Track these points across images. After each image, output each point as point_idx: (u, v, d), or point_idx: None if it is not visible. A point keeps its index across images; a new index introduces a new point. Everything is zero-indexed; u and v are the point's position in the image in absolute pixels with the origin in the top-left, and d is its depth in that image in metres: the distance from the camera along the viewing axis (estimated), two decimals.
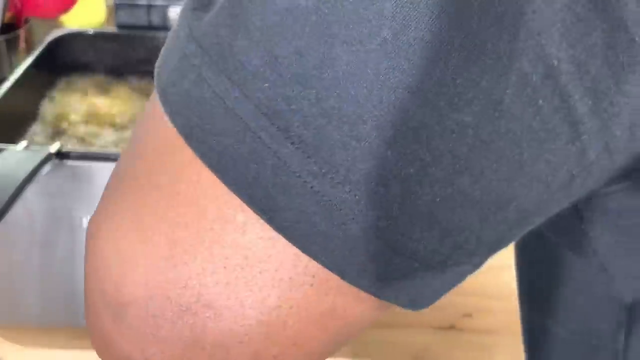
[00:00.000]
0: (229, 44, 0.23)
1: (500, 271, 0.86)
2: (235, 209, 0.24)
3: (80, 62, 0.89)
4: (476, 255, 0.26)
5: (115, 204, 0.26)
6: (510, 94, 0.22)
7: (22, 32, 1.05)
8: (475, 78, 0.22)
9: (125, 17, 0.88)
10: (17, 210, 0.65)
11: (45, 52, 0.85)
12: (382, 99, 0.22)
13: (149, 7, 0.87)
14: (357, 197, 0.23)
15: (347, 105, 0.22)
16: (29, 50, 1.04)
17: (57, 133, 0.80)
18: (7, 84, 0.78)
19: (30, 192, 0.65)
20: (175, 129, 0.24)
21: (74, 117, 0.82)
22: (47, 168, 0.64)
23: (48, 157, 0.64)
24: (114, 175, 0.28)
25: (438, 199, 0.23)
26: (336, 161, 0.23)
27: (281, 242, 0.24)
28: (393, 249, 0.24)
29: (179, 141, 0.24)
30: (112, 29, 0.90)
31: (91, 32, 0.90)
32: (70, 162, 0.67)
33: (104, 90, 0.87)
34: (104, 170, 0.68)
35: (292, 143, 0.23)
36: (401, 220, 0.23)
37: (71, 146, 0.76)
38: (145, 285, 0.25)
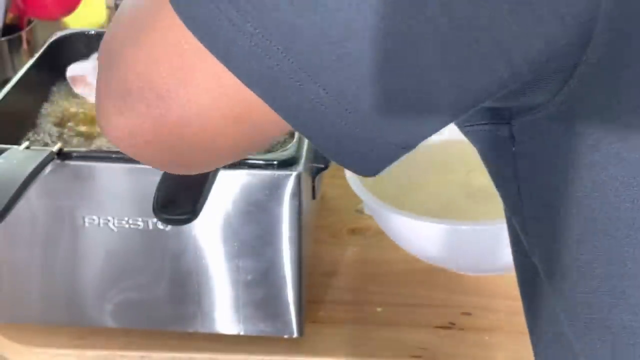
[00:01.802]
0: None
1: (501, 271, 0.86)
2: (183, 39, 0.35)
3: None
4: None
5: (120, 32, 0.39)
6: None
7: (24, 34, 1.06)
8: None
9: None
10: (19, 210, 0.65)
11: (46, 53, 0.86)
12: None
13: None
14: (282, 50, 0.33)
15: None
16: (31, 51, 1.05)
17: (59, 133, 0.80)
18: (10, 85, 0.78)
19: (32, 191, 0.66)
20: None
21: (75, 117, 0.83)
22: (49, 168, 0.65)
23: (50, 157, 0.65)
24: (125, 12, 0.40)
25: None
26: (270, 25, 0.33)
27: (202, 56, 0.34)
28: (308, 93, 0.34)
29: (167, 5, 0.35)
30: None
31: (92, 32, 0.90)
32: (71, 162, 0.67)
33: None
34: (105, 170, 0.68)
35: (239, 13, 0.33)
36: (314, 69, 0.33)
37: (73, 146, 0.76)
38: (137, 77, 0.37)
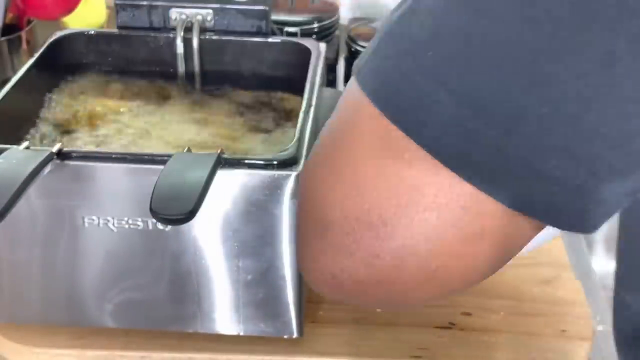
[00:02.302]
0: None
1: (500, 270, 0.86)
2: (404, 150, 0.31)
3: (81, 63, 0.89)
4: (611, 181, 0.31)
5: (319, 157, 0.36)
6: (623, 47, 0.28)
7: (24, 34, 1.06)
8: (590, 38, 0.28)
9: (126, 18, 0.88)
10: (19, 210, 0.65)
11: (46, 53, 0.86)
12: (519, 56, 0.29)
13: (150, 8, 0.87)
14: (503, 133, 0.29)
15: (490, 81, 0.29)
16: (31, 51, 1.05)
17: (58, 133, 0.80)
18: (9, 85, 0.78)
19: (32, 192, 0.65)
20: (365, 100, 0.33)
21: (75, 117, 0.83)
22: (48, 168, 0.64)
23: (49, 157, 0.65)
24: (320, 140, 0.38)
25: (571, 133, 0.29)
26: (485, 106, 0.29)
27: (440, 172, 0.31)
28: (537, 175, 0.30)
29: (368, 111, 0.33)
30: (113, 29, 0.90)
31: (92, 32, 0.90)
32: (71, 162, 0.67)
33: (104, 91, 0.88)
34: (105, 170, 0.68)
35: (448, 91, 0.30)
36: (543, 151, 0.29)
37: (72, 146, 0.76)
38: (342, 208, 0.33)
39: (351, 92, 0.36)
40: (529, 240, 0.35)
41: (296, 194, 0.68)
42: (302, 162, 0.68)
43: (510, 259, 0.36)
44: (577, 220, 0.32)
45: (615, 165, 0.30)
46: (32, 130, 0.80)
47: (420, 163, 0.31)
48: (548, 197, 0.31)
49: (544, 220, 0.32)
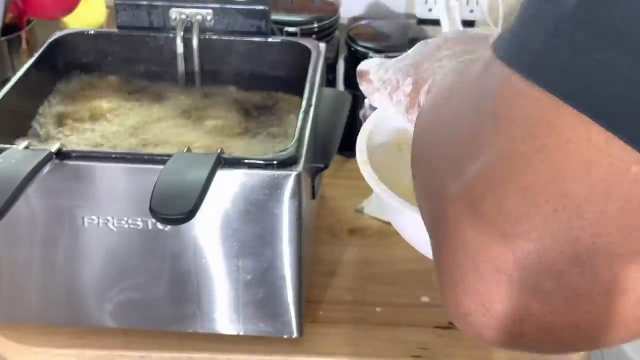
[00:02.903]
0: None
1: None
2: (628, 160, 0.26)
3: (81, 63, 0.89)
4: None
5: (491, 173, 0.29)
6: None
7: (24, 34, 1.06)
8: None
9: (126, 18, 0.88)
10: (19, 210, 0.65)
11: (46, 53, 0.86)
12: None
13: (150, 8, 0.87)
14: None
15: None
16: (31, 51, 1.04)
17: (58, 133, 0.80)
18: (10, 85, 0.78)
19: (31, 192, 0.66)
20: (551, 100, 0.27)
21: (75, 117, 0.83)
22: (47, 168, 0.64)
23: (49, 157, 0.65)
24: (461, 150, 0.31)
25: None
26: None
27: None
28: None
29: (556, 105, 0.27)
30: (113, 29, 0.90)
31: (92, 32, 0.90)
32: (71, 162, 0.67)
33: (104, 91, 0.88)
34: (105, 170, 0.68)
35: None
36: None
37: (72, 146, 0.76)
38: (539, 239, 0.27)
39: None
40: None
41: (295, 194, 0.67)
42: (302, 162, 0.68)
43: None
44: None
45: None
46: (31, 130, 0.80)
47: None
48: None
49: None
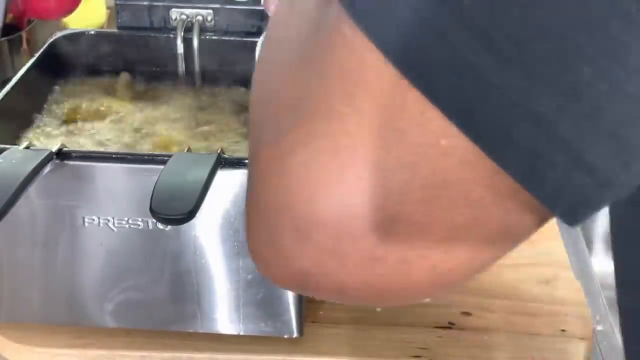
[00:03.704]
0: None
1: (500, 270, 0.86)
2: (440, 133, 0.25)
3: (81, 63, 0.89)
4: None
5: (306, 128, 0.28)
6: None
7: (24, 33, 1.06)
8: None
9: (127, 18, 0.88)
10: (19, 210, 0.65)
11: (46, 53, 0.86)
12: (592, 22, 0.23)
13: (150, 8, 0.87)
14: (555, 108, 0.24)
15: (554, 20, 0.23)
16: (31, 51, 1.05)
17: (58, 133, 0.80)
18: (10, 85, 0.78)
19: (32, 191, 0.66)
20: (374, 55, 0.26)
21: (75, 117, 0.83)
22: (48, 168, 0.65)
23: (49, 157, 0.65)
24: (284, 94, 0.30)
25: (622, 116, 0.24)
26: (538, 75, 0.24)
27: (479, 161, 0.25)
28: (575, 162, 0.25)
29: (379, 64, 0.26)
30: (113, 29, 0.90)
31: (92, 32, 0.90)
32: (71, 162, 0.67)
33: (104, 91, 0.88)
34: (105, 170, 0.68)
35: (493, 55, 0.24)
36: (587, 135, 0.25)
37: (73, 146, 0.76)
38: (342, 204, 0.27)
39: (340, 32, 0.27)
40: (528, 234, 0.30)
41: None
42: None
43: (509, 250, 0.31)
44: (579, 211, 0.28)
45: None
46: (32, 130, 0.80)
47: (458, 153, 0.26)
48: (568, 181, 0.26)
49: (546, 202, 0.27)
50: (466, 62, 0.24)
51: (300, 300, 0.73)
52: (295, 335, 0.74)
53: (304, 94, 0.28)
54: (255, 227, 0.31)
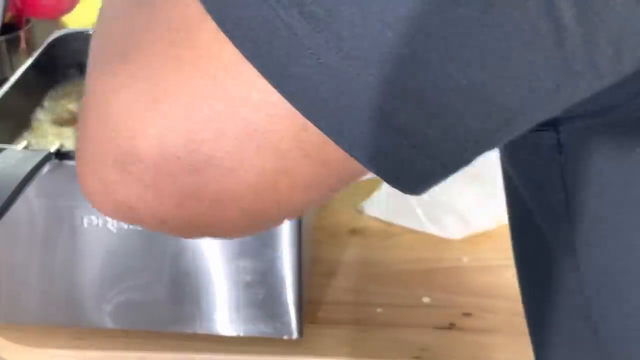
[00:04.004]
0: None
1: (501, 270, 0.86)
2: (251, 85, 0.27)
3: (80, 62, 0.89)
4: (465, 149, 0.28)
5: (130, 66, 0.29)
6: None
7: (22, 33, 1.05)
8: None
9: None
10: (17, 210, 0.65)
11: (45, 52, 0.85)
12: None
13: None
14: (361, 72, 0.25)
15: None
16: (29, 50, 1.04)
17: (57, 133, 0.80)
18: (8, 84, 0.78)
19: (30, 192, 0.65)
20: (196, 5, 0.27)
21: (74, 117, 0.83)
22: (46, 168, 0.64)
23: (48, 157, 0.64)
24: (116, 30, 0.31)
25: (429, 83, 0.26)
26: (344, 37, 0.25)
27: (288, 115, 0.27)
28: (388, 124, 0.26)
29: (201, 15, 0.27)
30: None
31: (91, 32, 0.90)
32: (70, 162, 0.67)
33: None
34: None
35: (304, 18, 0.25)
36: (397, 98, 0.26)
37: (71, 146, 0.76)
38: (160, 144, 0.28)
39: None
40: (342, 184, 0.31)
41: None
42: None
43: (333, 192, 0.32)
44: (406, 177, 0.29)
45: (470, 127, 0.27)
46: (30, 130, 0.80)
47: (268, 104, 0.27)
48: (378, 140, 0.27)
49: (360, 160, 0.28)
50: (279, 23, 0.25)
51: (300, 301, 0.73)
52: (294, 336, 0.74)
53: (134, 35, 0.30)
54: (83, 155, 0.33)
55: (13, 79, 0.79)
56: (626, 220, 0.34)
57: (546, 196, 0.37)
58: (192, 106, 0.27)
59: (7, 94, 0.77)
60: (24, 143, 0.67)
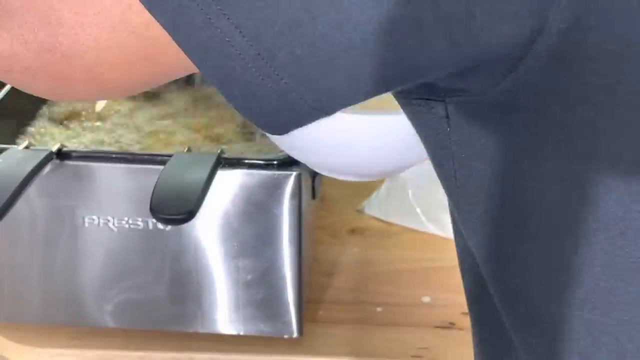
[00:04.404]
0: None
1: None
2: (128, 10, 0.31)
3: None
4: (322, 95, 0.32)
5: None
6: None
7: None
8: None
9: None
10: (19, 210, 0.65)
11: None
12: None
13: None
14: None
15: None
16: None
17: (58, 132, 0.80)
18: (9, 85, 0.78)
19: (32, 191, 0.66)
20: None
21: (74, 117, 0.83)
22: (47, 168, 0.65)
23: (49, 157, 0.65)
24: None
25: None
26: None
27: (140, 15, 0.31)
28: (212, 18, 0.30)
29: None
30: None
31: None
32: (71, 162, 0.67)
33: None
34: (105, 170, 0.68)
35: None
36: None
37: (72, 146, 0.76)
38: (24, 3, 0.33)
39: None
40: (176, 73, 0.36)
41: (295, 194, 0.68)
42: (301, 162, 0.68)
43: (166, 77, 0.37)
44: (238, 92, 0.34)
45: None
46: (31, 130, 0.80)
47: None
48: (206, 37, 0.31)
49: (190, 56, 0.32)
50: None
51: (300, 301, 0.73)
52: (295, 335, 0.74)
53: None
54: None
55: None
56: (506, 193, 0.36)
57: (443, 167, 0.39)
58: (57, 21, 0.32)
59: (8, 94, 0.77)
60: (25, 143, 0.68)
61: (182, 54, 0.32)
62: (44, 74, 0.35)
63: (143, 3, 0.31)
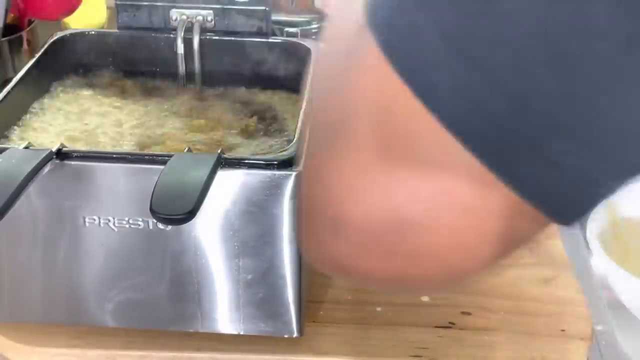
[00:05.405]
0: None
1: (500, 270, 0.86)
2: (448, 154, 0.30)
3: (82, 63, 0.90)
4: (615, 177, 0.31)
5: (337, 148, 0.34)
6: None
7: (25, 34, 1.06)
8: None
9: (127, 18, 0.88)
10: (19, 210, 0.65)
11: (47, 53, 0.86)
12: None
13: (151, 8, 0.87)
14: (511, 106, 0.29)
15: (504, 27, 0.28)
16: (32, 51, 1.05)
17: (58, 133, 0.80)
18: (10, 85, 0.78)
19: (32, 191, 0.66)
20: (394, 81, 0.30)
21: (74, 117, 0.83)
22: (48, 167, 0.65)
23: (49, 157, 0.65)
24: (321, 121, 0.36)
25: (581, 116, 0.29)
26: (496, 74, 0.29)
27: (485, 188, 0.30)
28: (540, 157, 0.30)
29: (401, 93, 0.30)
30: (113, 30, 0.90)
31: (93, 32, 0.91)
32: (71, 162, 0.67)
33: (105, 91, 0.88)
34: (105, 170, 0.68)
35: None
36: (548, 133, 0.29)
37: (72, 146, 0.76)
38: (364, 208, 0.32)
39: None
40: (530, 236, 0.35)
41: (296, 193, 0.68)
42: (302, 162, 0.68)
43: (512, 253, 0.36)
44: (566, 211, 0.32)
45: (623, 157, 0.30)
46: (31, 130, 0.80)
47: (466, 182, 0.31)
48: (545, 182, 0.30)
49: (536, 205, 0.31)
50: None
51: (300, 300, 0.73)
52: (295, 335, 0.75)
53: (337, 117, 0.34)
54: (300, 220, 0.37)
55: (16, 80, 0.79)
56: None
57: None
58: (389, 182, 0.31)
59: (9, 94, 0.77)
60: (25, 142, 0.68)
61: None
62: (387, 276, 0.34)
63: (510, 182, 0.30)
